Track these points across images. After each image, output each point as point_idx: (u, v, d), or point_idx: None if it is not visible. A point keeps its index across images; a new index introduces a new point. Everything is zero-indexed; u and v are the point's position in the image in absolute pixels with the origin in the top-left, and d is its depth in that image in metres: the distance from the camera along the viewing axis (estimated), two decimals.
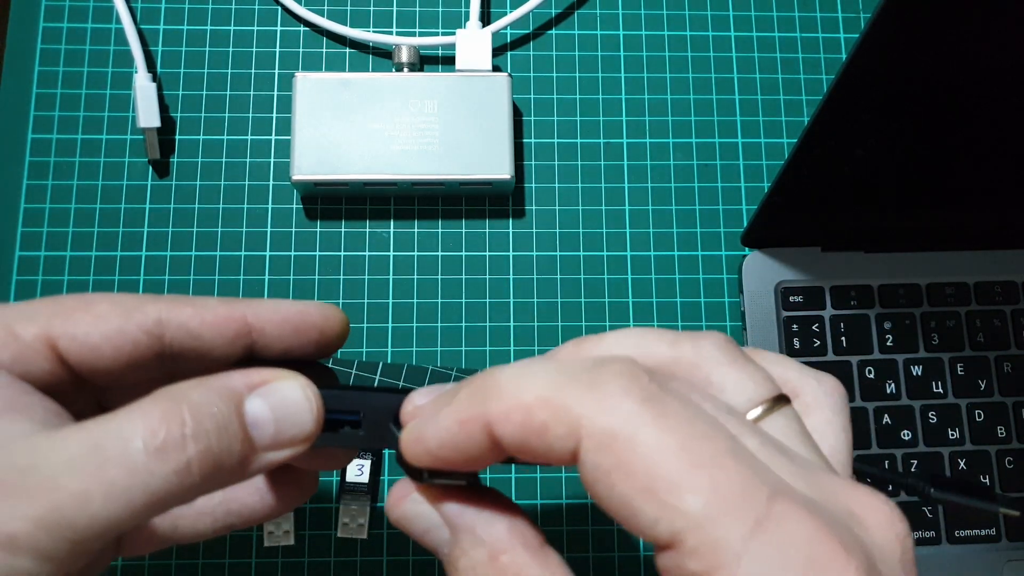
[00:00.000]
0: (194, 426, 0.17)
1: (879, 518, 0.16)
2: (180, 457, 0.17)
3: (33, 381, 0.20)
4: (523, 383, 0.16)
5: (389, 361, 0.38)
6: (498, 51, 0.42)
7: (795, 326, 0.38)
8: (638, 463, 0.15)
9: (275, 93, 0.41)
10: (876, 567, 0.15)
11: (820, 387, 0.20)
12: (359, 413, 0.20)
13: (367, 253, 0.39)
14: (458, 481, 0.19)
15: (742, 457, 0.15)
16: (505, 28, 0.41)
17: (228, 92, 0.41)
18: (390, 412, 0.20)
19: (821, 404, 0.20)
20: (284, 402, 0.19)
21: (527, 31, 0.42)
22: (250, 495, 0.24)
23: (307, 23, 0.41)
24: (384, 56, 0.42)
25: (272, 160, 0.40)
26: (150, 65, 0.41)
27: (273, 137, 0.40)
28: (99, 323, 0.20)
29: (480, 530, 0.18)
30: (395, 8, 0.42)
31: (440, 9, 0.42)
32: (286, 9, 0.41)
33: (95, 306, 0.21)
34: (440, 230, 0.40)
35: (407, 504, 0.19)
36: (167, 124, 0.40)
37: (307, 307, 0.22)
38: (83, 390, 0.21)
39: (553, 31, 0.42)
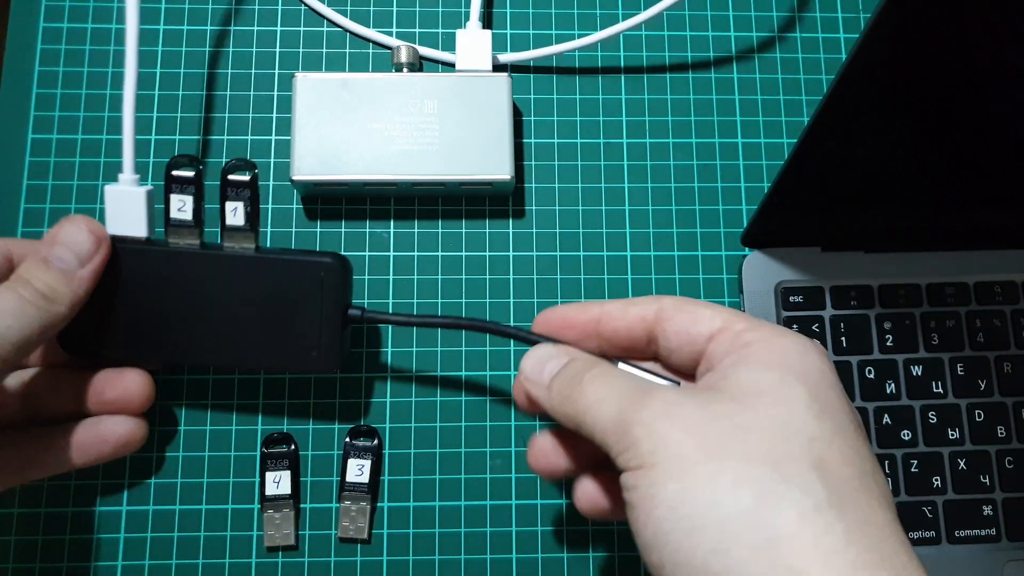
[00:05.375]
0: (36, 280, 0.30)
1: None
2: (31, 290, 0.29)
3: None
4: None
5: (389, 362, 0.38)
6: (498, 51, 0.42)
7: (795, 326, 0.38)
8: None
9: (275, 93, 0.41)
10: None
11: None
12: None
13: (367, 253, 0.39)
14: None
15: None
16: (506, 31, 0.41)
17: (228, 92, 0.41)
18: None
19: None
20: (67, 237, 0.30)
21: (527, 31, 0.42)
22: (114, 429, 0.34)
23: (309, 6, 0.41)
24: (384, 56, 0.42)
25: (272, 160, 0.40)
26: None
27: (273, 137, 0.40)
28: None
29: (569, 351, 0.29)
30: (395, 8, 0.42)
31: (440, 9, 0.42)
32: None
33: None
34: (440, 230, 0.40)
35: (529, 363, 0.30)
36: (167, 124, 0.40)
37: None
38: None
39: (553, 31, 0.42)
